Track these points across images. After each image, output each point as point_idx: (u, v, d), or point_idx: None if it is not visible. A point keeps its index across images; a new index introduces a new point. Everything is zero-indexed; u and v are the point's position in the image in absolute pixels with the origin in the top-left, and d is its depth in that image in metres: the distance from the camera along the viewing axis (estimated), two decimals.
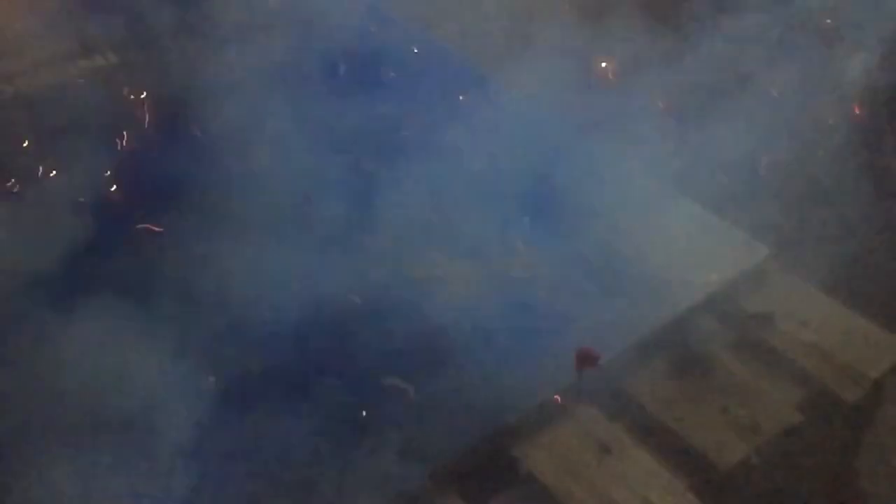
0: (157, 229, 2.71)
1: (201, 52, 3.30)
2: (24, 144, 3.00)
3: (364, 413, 2.20)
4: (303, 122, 2.96)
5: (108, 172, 2.86)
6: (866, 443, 2.69)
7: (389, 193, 2.76)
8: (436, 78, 3.32)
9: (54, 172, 2.90)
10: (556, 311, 2.43)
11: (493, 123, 3.06)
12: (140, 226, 2.71)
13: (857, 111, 3.34)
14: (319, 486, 2.06)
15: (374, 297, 2.47)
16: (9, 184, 2.86)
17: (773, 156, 3.12)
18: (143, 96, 3.19)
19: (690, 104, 3.17)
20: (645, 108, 3.13)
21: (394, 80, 3.35)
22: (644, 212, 2.74)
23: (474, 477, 2.10)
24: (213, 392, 2.25)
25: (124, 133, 3.06)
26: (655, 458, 2.18)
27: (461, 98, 3.25)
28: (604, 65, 3.39)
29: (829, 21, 3.57)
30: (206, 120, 3.02)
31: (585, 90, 3.17)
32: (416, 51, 3.51)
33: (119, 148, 3.03)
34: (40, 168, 2.91)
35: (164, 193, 2.78)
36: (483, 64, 3.49)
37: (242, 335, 2.36)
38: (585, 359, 2.10)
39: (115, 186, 2.85)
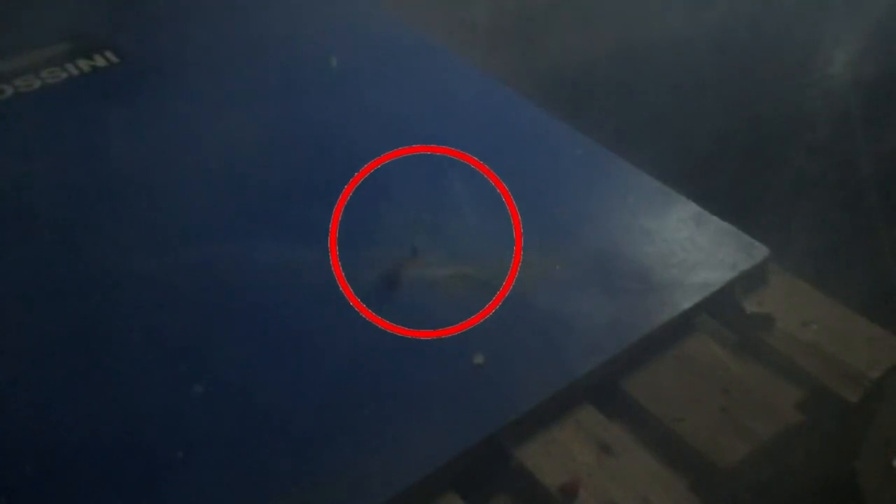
0: None
1: None
2: None
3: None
4: None
5: None
6: (866, 443, 2.69)
7: None
8: None
9: None
10: (556, 310, 2.42)
11: None
12: None
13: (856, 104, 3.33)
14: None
15: None
16: None
17: (771, 152, 3.12)
18: None
19: None
20: None
21: None
22: (644, 210, 2.74)
23: (474, 477, 2.10)
24: None
25: None
26: (655, 458, 2.18)
27: None
28: None
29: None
30: None
31: None
32: None
33: None
34: None
35: None
36: None
37: None
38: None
39: None
